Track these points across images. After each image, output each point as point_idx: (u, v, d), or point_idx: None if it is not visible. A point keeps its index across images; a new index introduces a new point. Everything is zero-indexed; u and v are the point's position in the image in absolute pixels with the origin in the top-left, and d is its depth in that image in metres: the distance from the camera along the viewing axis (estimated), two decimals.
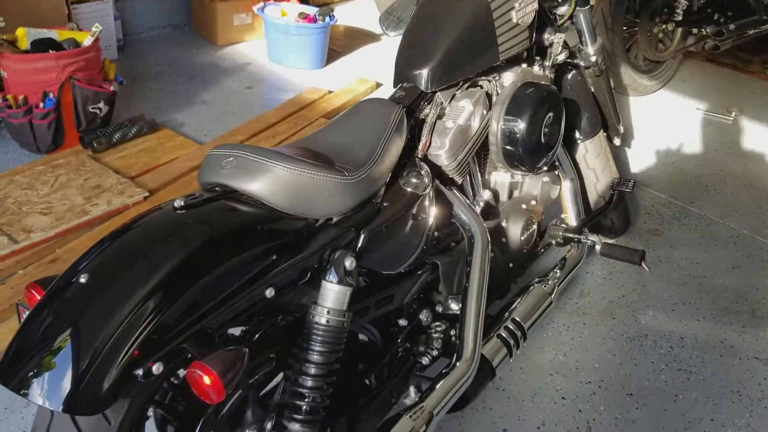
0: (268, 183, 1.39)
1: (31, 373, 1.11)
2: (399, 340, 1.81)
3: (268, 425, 1.46)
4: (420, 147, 1.79)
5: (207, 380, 1.14)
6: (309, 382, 1.40)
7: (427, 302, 1.89)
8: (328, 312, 1.41)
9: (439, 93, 1.85)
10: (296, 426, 1.41)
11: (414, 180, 1.69)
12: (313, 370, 1.40)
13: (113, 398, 1.14)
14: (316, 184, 1.43)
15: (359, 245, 1.51)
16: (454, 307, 1.89)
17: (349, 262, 1.43)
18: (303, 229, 1.43)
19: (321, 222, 1.47)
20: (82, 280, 1.20)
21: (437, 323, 1.88)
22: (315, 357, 1.40)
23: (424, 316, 1.86)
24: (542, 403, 2.19)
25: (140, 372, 1.15)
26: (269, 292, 1.34)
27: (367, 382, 1.71)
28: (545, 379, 2.29)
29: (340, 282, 1.42)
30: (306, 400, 1.41)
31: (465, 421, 2.11)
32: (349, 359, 1.60)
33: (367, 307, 1.63)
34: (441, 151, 1.81)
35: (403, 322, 1.81)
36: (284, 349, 1.45)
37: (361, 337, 1.79)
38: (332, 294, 1.42)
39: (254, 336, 1.41)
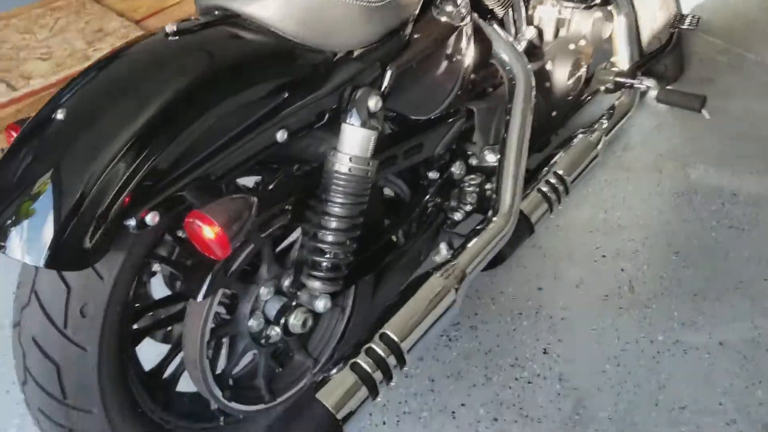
0: (278, 5, 1.17)
1: (7, 223, 0.97)
2: (429, 195, 1.64)
3: (286, 282, 1.33)
4: None
5: (209, 232, 0.99)
6: (329, 237, 1.26)
7: (461, 153, 1.70)
8: (350, 159, 1.23)
9: None
10: (316, 283, 1.27)
11: (449, 8, 1.45)
12: (333, 224, 1.25)
13: (102, 252, 1.00)
14: (335, 8, 1.20)
15: (385, 83, 1.30)
16: (491, 158, 1.70)
17: (374, 102, 1.23)
18: (319, 63, 1.22)
19: (341, 55, 1.25)
20: (61, 116, 1.02)
21: (471, 176, 1.70)
22: (336, 209, 1.24)
23: (457, 168, 1.68)
24: (581, 262, 2.05)
25: (132, 222, 1.01)
26: (281, 135, 1.16)
27: (393, 238, 1.56)
28: (584, 237, 2.13)
29: (363, 125, 1.22)
30: (326, 255, 1.27)
31: (498, 279, 1.99)
32: (373, 213, 1.44)
33: (394, 156, 1.44)
34: None
35: (433, 175, 1.63)
36: (302, 200, 1.28)
37: (387, 191, 1.63)
38: (354, 138, 1.23)
39: (267, 187, 1.24)
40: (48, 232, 0.95)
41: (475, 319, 1.90)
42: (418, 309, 1.36)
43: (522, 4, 1.81)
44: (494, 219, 1.61)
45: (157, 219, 1.03)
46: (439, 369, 1.76)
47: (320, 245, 1.26)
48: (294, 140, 1.19)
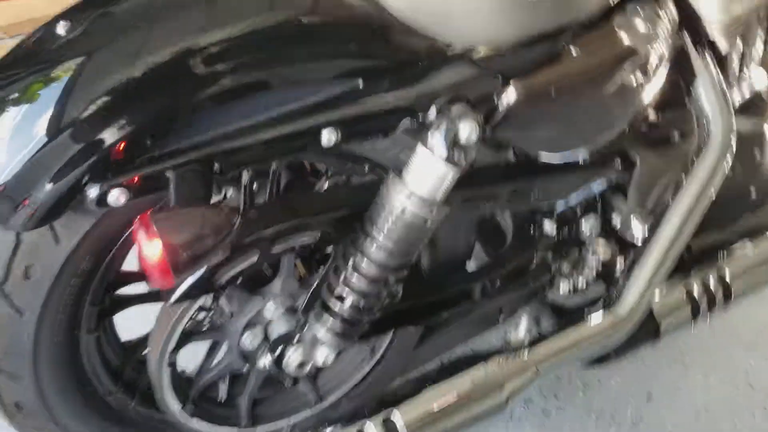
0: None
1: None
2: (535, 248, 1.26)
3: (300, 302, 1.05)
4: None
5: (149, 250, 0.73)
6: (355, 280, 0.95)
7: (596, 210, 1.29)
8: (409, 196, 0.89)
9: None
10: (321, 330, 0.98)
11: (640, 22, 1.02)
12: (365, 267, 0.94)
13: (50, 216, 0.78)
14: None
15: (501, 104, 0.93)
16: (637, 229, 1.27)
17: (468, 130, 0.88)
18: (420, 51, 0.89)
19: (455, 51, 0.90)
20: (57, 41, 0.80)
21: (602, 241, 1.28)
22: (373, 251, 0.93)
23: (587, 226, 1.27)
24: (716, 382, 1.58)
25: (92, 194, 0.77)
26: (327, 137, 0.85)
27: (465, 287, 1.21)
28: (734, 352, 1.64)
29: (442, 156, 0.88)
30: (346, 301, 0.96)
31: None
32: (449, 249, 1.12)
33: (493, 196, 1.09)
34: None
35: (550, 227, 1.25)
36: (342, 219, 0.98)
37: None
38: (424, 171, 0.89)
39: (295, 194, 0.96)
40: None
41: (551, 402, 1.52)
42: (449, 400, 1.04)
43: (761, 38, 1.31)
44: (610, 309, 1.22)
45: (123, 200, 0.78)
46: None
47: (342, 287, 0.96)
48: (344, 141, 0.88)
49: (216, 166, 0.83)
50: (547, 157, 1.08)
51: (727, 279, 1.32)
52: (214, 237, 0.75)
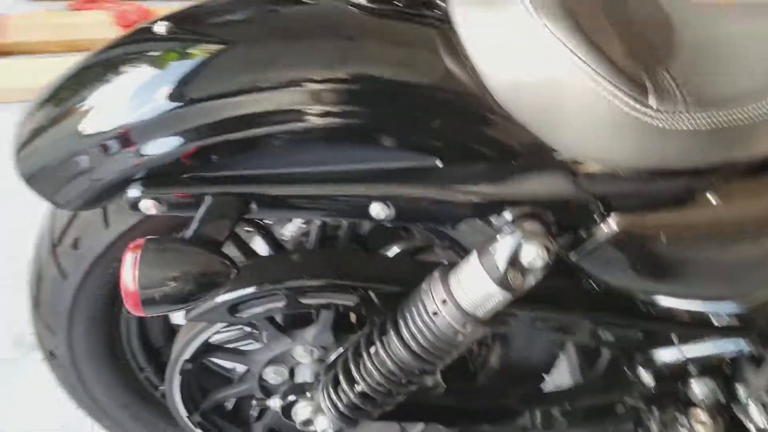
0: (496, 44, 0.75)
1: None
2: (625, 391, 1.07)
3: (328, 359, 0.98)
4: None
5: (125, 276, 0.69)
6: (370, 367, 0.85)
7: (719, 374, 1.06)
8: (444, 302, 0.78)
9: None
10: (323, 402, 0.90)
11: None
12: (379, 359, 0.84)
13: (90, 203, 0.80)
14: (591, 102, 0.71)
15: (592, 235, 0.78)
16: (757, 416, 1.03)
17: (533, 255, 0.74)
18: (516, 147, 0.76)
19: (557, 158, 0.76)
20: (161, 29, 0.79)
21: (702, 415, 1.05)
22: (393, 347, 0.83)
23: (697, 389, 1.05)
24: None
25: (130, 195, 0.77)
26: (377, 210, 0.77)
27: (525, 406, 1.06)
28: None
29: (495, 279, 0.75)
30: (357, 386, 0.87)
31: None
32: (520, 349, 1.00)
33: (573, 327, 0.92)
34: None
35: (647, 376, 1.05)
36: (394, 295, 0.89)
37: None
38: (470, 282, 0.77)
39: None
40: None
41: None
42: None
43: None
44: None
45: (153, 211, 0.77)
46: None
47: (356, 370, 0.87)
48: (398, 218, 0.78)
49: (253, 206, 0.78)
50: (668, 302, 0.89)
51: None
52: (199, 284, 0.70)
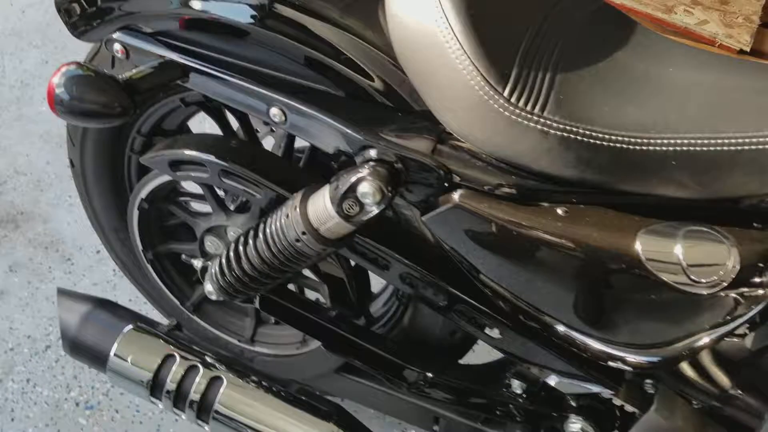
0: None
1: None
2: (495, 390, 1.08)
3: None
4: None
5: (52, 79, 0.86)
6: (242, 254, 0.96)
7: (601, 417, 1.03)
8: (295, 209, 0.87)
9: None
10: (212, 270, 1.03)
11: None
12: (251, 255, 0.95)
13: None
14: (452, 75, 0.77)
15: (441, 206, 0.82)
16: None
17: (368, 191, 0.81)
18: (402, 101, 0.84)
19: (433, 123, 0.82)
20: None
21: None
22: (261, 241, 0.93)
23: (573, 426, 1.04)
24: None
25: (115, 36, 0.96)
26: (275, 112, 0.89)
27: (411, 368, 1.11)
28: None
29: (333, 202, 0.83)
30: (234, 265, 0.99)
31: None
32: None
33: (407, 277, 0.96)
34: None
35: (518, 389, 1.06)
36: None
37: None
38: (317, 202, 0.86)
39: None
40: None
41: None
42: None
43: None
44: None
45: (119, 55, 0.95)
46: None
47: (237, 251, 0.98)
48: None
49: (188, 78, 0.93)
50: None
51: None
52: (96, 108, 0.86)
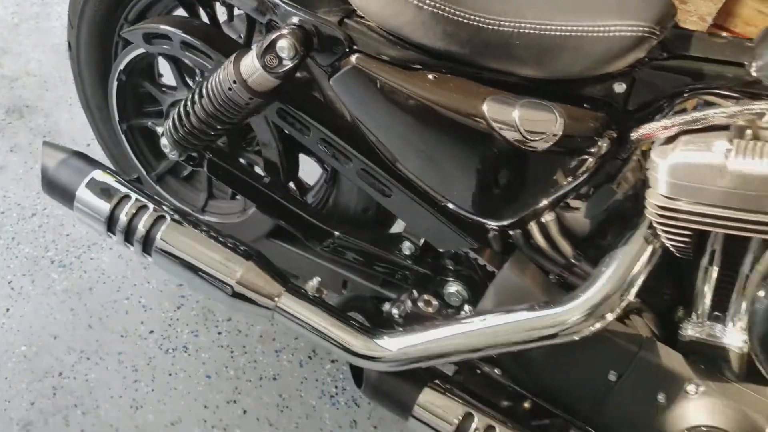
0: None
1: None
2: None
3: None
4: None
5: None
6: (190, 108, 1.18)
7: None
8: (230, 62, 1.09)
9: None
10: (166, 125, 1.25)
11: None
12: (196, 105, 1.16)
13: None
14: None
15: (342, 68, 1.04)
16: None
17: (284, 46, 1.03)
18: None
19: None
20: None
21: (431, 300, 1.24)
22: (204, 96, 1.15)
23: (450, 288, 1.25)
24: None
25: None
26: None
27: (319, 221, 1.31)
28: None
29: (258, 55, 1.04)
30: (185, 118, 1.20)
31: None
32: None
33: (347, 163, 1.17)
34: None
35: (407, 249, 1.27)
36: None
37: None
38: (249, 57, 1.07)
39: None
40: None
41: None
42: None
43: None
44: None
45: None
46: None
47: (183, 109, 1.19)
48: None
49: None
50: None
51: None
52: None
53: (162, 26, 1.25)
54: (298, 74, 1.23)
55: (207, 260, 1.23)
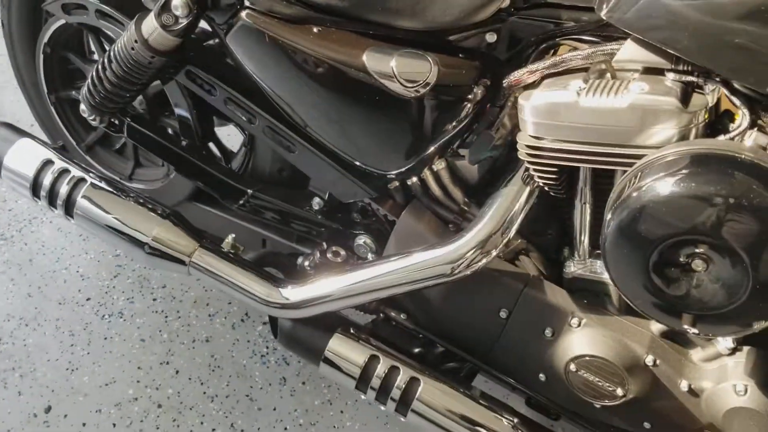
0: None
1: None
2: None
3: None
4: None
5: None
6: (99, 78, 1.23)
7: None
8: (133, 24, 1.15)
9: None
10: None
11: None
12: (104, 71, 1.22)
13: None
14: None
15: (233, 24, 1.09)
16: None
17: (178, 3, 1.08)
18: None
19: None
20: None
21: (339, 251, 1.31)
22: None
23: (359, 241, 1.30)
24: None
25: None
26: None
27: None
28: None
29: (155, 14, 1.11)
30: (96, 79, 1.26)
31: None
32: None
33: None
34: None
35: (315, 204, 1.33)
36: None
37: None
38: (148, 18, 1.13)
39: None
40: None
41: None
42: None
43: None
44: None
45: None
46: None
47: (95, 72, 1.25)
48: None
49: None
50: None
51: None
52: None
53: None
54: (211, 39, 1.30)
55: (124, 220, 1.28)
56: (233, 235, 1.29)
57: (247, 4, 1.09)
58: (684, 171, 0.82)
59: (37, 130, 1.70)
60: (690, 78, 0.89)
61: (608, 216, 0.89)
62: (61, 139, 1.61)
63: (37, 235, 1.78)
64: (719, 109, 0.95)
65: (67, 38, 1.48)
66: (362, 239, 1.29)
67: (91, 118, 1.32)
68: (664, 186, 0.82)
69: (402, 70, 1.03)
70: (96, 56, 1.52)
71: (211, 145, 1.50)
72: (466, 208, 1.18)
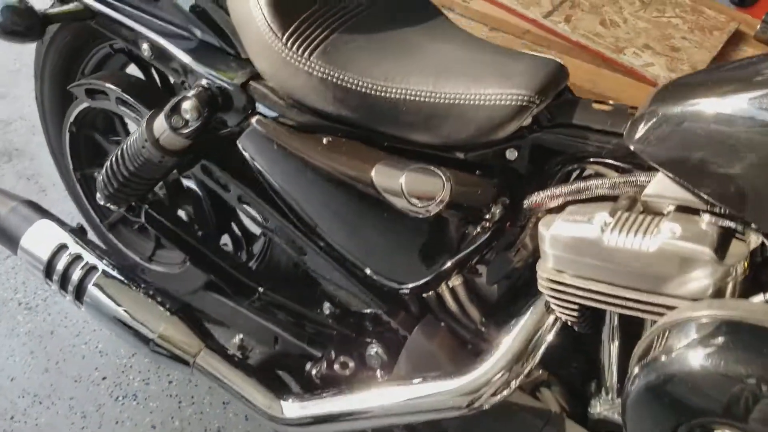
0: None
1: None
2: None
3: None
4: None
5: None
6: (112, 170, 1.21)
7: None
8: (145, 124, 1.12)
9: None
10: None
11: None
12: (118, 165, 1.19)
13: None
14: (250, 24, 1.00)
15: (244, 129, 1.05)
16: None
17: (188, 108, 1.05)
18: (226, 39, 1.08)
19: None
20: None
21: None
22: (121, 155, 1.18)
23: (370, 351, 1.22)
24: None
25: None
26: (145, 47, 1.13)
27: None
28: None
29: (165, 115, 1.07)
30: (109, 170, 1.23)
31: None
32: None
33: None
34: None
35: (327, 309, 1.25)
36: None
37: None
38: (158, 118, 1.10)
39: None
40: None
41: None
42: None
43: None
44: None
45: None
46: None
47: (109, 165, 1.22)
48: None
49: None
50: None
51: None
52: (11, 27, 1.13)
53: (99, 82, 1.29)
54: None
55: (133, 313, 1.24)
56: (241, 336, 1.23)
57: (258, 109, 1.04)
58: (716, 342, 0.71)
59: None
60: (728, 223, 0.78)
61: (634, 371, 0.79)
62: (84, 215, 1.60)
63: (62, 306, 1.76)
64: (765, 252, 0.84)
65: (93, 118, 1.47)
66: (374, 349, 1.21)
67: (107, 205, 1.30)
68: (694, 358, 0.71)
69: (412, 188, 0.96)
70: (120, 137, 1.51)
71: (233, 224, 1.46)
72: (483, 328, 1.08)
